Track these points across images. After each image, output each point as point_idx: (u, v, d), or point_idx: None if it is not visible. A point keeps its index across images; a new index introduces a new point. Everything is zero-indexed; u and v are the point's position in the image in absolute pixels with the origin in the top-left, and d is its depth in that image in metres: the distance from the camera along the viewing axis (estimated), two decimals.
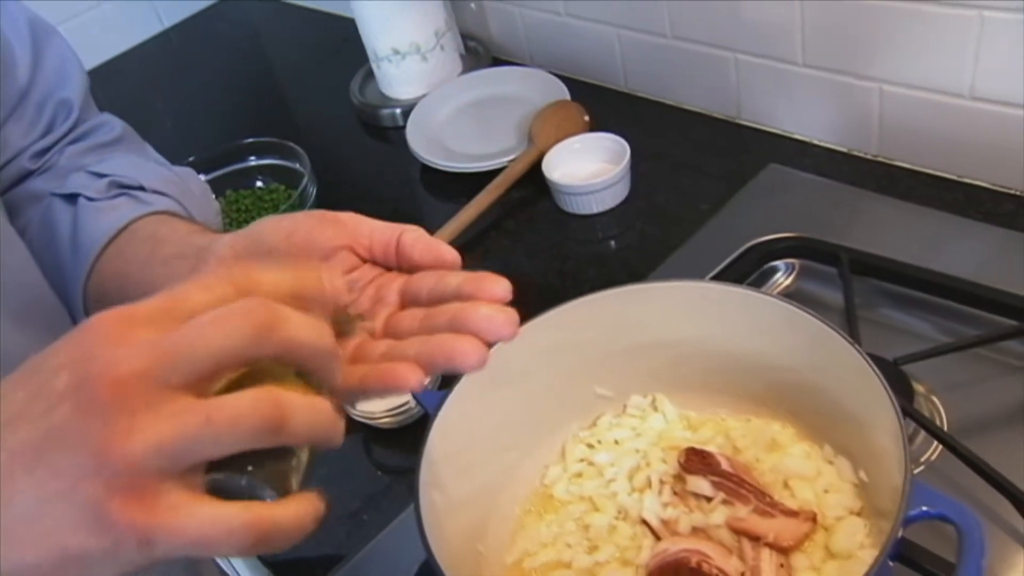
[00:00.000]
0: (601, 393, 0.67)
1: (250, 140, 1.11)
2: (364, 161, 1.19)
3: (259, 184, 1.10)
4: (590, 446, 0.66)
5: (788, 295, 0.80)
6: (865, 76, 0.86)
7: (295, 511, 0.33)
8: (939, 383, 0.69)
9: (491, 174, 0.99)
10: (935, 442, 0.65)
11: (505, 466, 0.64)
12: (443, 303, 0.44)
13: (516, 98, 1.12)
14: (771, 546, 0.55)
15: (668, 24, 1.00)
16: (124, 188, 0.62)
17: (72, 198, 0.61)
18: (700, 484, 0.59)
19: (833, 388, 0.58)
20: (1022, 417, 0.66)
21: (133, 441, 0.30)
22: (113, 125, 0.67)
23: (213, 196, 0.72)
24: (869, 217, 0.84)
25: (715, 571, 0.54)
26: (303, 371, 0.35)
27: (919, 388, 0.69)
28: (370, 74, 1.25)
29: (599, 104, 1.07)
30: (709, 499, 0.59)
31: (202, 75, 1.47)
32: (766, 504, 0.57)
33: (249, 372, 0.33)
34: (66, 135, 0.64)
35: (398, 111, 1.18)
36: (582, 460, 0.66)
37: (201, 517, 0.31)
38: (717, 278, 0.80)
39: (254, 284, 0.34)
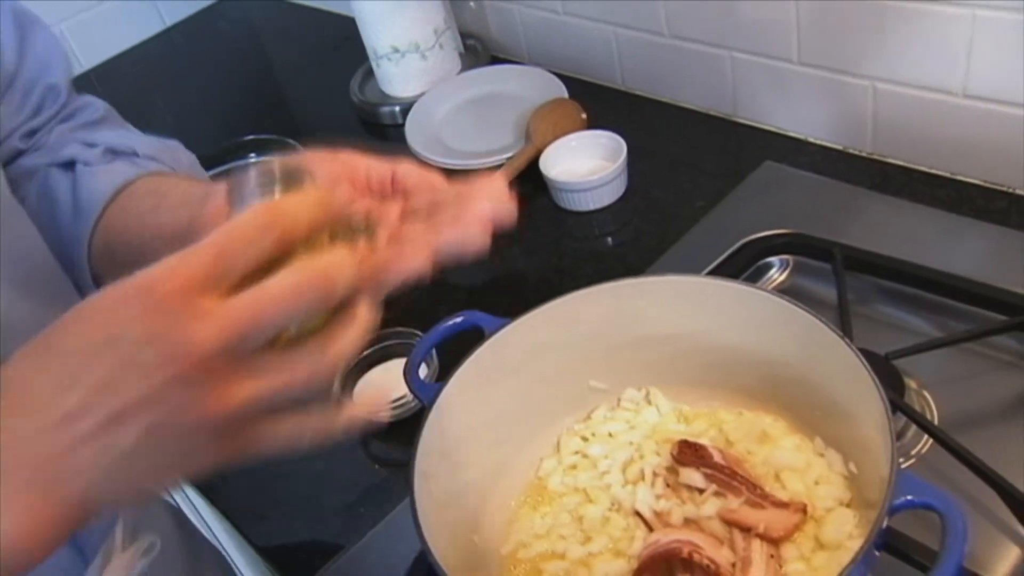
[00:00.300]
0: (596, 386, 0.68)
1: (251, 137, 1.11)
2: None
3: None
4: (584, 439, 0.67)
5: (783, 291, 0.80)
6: (859, 74, 0.87)
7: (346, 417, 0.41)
8: (931, 378, 0.70)
9: (489, 171, 1.00)
10: (926, 436, 0.65)
11: (500, 458, 0.65)
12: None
13: (514, 96, 1.12)
14: (762, 537, 0.56)
15: (664, 23, 1.01)
16: (118, 153, 0.64)
17: (69, 165, 0.63)
18: (693, 476, 0.60)
19: (824, 381, 0.59)
20: (1012, 411, 0.67)
21: (229, 404, 0.35)
22: (96, 106, 0.69)
23: (201, 167, 0.73)
24: (863, 214, 0.85)
25: (706, 561, 0.55)
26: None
27: (911, 383, 0.69)
28: (370, 72, 1.25)
29: (596, 102, 1.08)
30: (701, 491, 0.60)
31: (203, 73, 1.48)
32: (757, 496, 0.57)
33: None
34: (55, 116, 0.66)
35: (397, 109, 1.19)
36: (576, 452, 0.66)
37: (280, 442, 0.38)
38: (713, 274, 0.80)
39: (286, 218, 0.36)
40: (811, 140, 0.96)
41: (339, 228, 0.40)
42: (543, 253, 0.94)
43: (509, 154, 1.02)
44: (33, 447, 0.34)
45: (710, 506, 0.58)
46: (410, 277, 0.49)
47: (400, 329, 0.81)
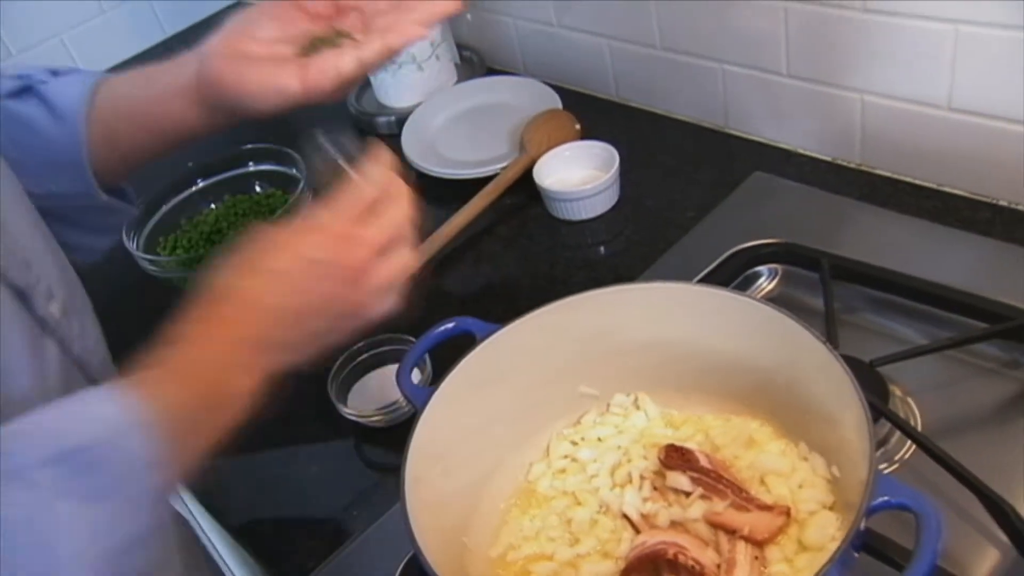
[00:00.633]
0: (585, 392, 0.69)
1: (249, 146, 1.12)
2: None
3: (257, 189, 1.12)
4: (574, 443, 0.68)
5: (771, 299, 0.82)
6: (847, 87, 0.88)
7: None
8: (915, 385, 0.71)
9: (484, 180, 1.01)
10: (909, 442, 0.67)
11: (490, 462, 0.66)
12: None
13: (509, 106, 1.14)
14: (746, 539, 0.57)
15: (657, 35, 1.02)
16: (59, 72, 0.68)
17: (24, 91, 0.66)
18: (679, 480, 0.61)
19: (808, 387, 0.60)
20: (993, 417, 0.68)
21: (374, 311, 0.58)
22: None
23: None
24: (851, 224, 0.86)
25: (691, 562, 0.56)
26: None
27: (895, 390, 0.70)
28: (367, 83, 1.27)
29: (590, 113, 1.09)
30: (688, 494, 0.60)
31: None
32: (742, 499, 0.59)
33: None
34: None
35: (394, 119, 1.20)
36: (566, 456, 0.67)
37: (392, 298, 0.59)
38: (702, 282, 0.82)
39: (389, 186, 0.58)
40: (800, 151, 0.97)
41: (319, 43, 0.64)
42: (536, 261, 0.95)
43: (504, 164, 1.03)
44: (266, 334, 0.54)
45: (696, 509, 0.59)
46: (410, 42, 0.64)
47: (393, 335, 0.82)
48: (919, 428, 0.68)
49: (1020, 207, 0.82)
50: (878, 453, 0.67)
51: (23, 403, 0.46)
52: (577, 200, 0.96)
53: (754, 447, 0.63)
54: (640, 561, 0.57)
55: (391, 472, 0.78)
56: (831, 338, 0.72)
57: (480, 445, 0.65)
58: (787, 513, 0.57)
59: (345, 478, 0.78)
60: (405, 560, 0.67)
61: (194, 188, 1.10)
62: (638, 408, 0.69)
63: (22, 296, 0.53)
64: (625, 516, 0.62)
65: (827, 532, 0.56)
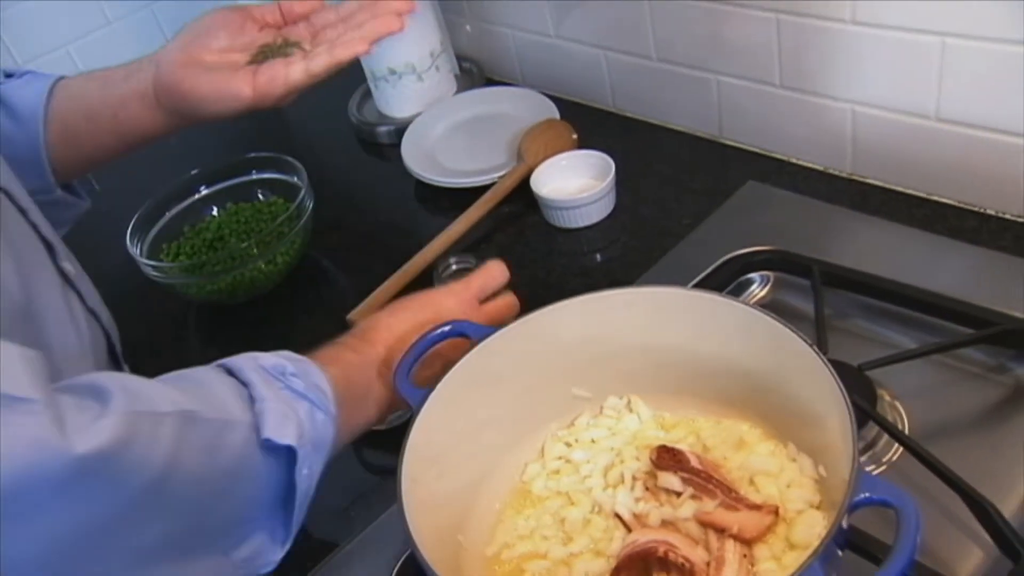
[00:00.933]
0: (579, 394, 0.71)
1: (251, 155, 1.14)
2: (361, 176, 1.23)
3: (259, 197, 1.13)
4: (568, 444, 0.69)
5: (764, 305, 0.82)
6: (839, 98, 0.90)
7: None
8: (903, 389, 0.72)
9: (482, 189, 1.03)
10: (896, 444, 0.68)
11: (486, 463, 0.67)
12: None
13: (507, 116, 1.16)
14: (735, 537, 0.58)
15: (653, 47, 1.04)
16: (11, 74, 0.72)
17: None
18: (670, 480, 0.62)
19: (796, 389, 0.61)
20: (979, 421, 0.69)
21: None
22: None
23: None
24: (842, 232, 0.87)
25: (681, 560, 0.57)
26: None
27: (884, 394, 0.72)
28: (368, 93, 1.29)
29: (587, 122, 1.11)
30: (679, 494, 0.62)
31: None
32: (732, 498, 0.60)
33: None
34: None
35: (394, 128, 1.22)
36: (560, 458, 0.69)
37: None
38: (695, 288, 0.83)
39: (496, 278, 0.77)
40: (793, 161, 0.99)
41: (269, 52, 0.71)
42: (533, 268, 0.97)
43: (502, 173, 1.05)
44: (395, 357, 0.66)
45: (687, 508, 0.60)
46: (355, 56, 0.70)
47: None
48: (906, 431, 0.69)
49: (1007, 216, 0.84)
50: (866, 456, 0.68)
51: (61, 338, 0.53)
52: (574, 208, 0.98)
53: (744, 448, 0.65)
54: (631, 559, 0.58)
55: (389, 474, 0.78)
56: (820, 343, 0.73)
57: (475, 446, 0.66)
58: (775, 512, 0.58)
59: (343, 479, 0.79)
60: (401, 560, 0.68)
61: (197, 196, 1.12)
62: (631, 410, 0.70)
63: (49, 248, 0.58)
64: (617, 516, 0.63)
65: (814, 531, 0.57)
